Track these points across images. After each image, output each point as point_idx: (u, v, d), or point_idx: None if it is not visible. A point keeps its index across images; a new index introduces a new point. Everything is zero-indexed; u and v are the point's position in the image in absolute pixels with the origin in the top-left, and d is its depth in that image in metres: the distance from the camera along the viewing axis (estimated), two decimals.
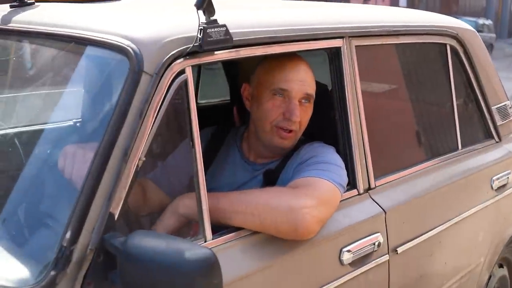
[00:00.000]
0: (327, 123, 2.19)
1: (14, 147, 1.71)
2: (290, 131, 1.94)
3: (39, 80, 1.81)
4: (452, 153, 2.54)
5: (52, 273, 1.32)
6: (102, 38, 1.55)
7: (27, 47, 1.84)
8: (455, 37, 2.55)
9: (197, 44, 1.55)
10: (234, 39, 1.61)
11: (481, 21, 24.86)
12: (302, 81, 1.93)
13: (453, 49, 2.56)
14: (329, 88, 2.21)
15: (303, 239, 1.75)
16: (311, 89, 1.97)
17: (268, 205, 1.69)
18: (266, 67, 1.98)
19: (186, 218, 1.67)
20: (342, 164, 1.96)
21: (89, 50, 1.61)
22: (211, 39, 1.56)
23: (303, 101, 1.94)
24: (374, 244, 1.99)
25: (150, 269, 1.28)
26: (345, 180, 1.94)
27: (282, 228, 1.69)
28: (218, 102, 3.41)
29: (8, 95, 1.96)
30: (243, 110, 2.57)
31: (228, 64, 3.30)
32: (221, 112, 2.96)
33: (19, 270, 1.37)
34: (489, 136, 2.79)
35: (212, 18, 1.56)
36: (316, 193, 1.77)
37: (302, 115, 1.94)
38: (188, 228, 1.67)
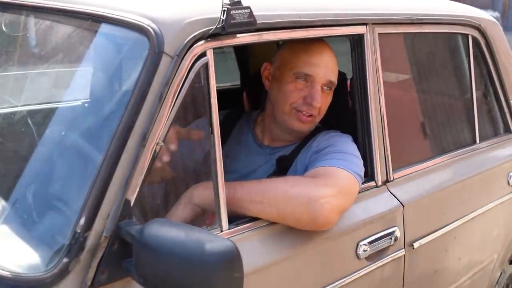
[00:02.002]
0: (344, 111, 2.14)
1: (27, 128, 1.65)
2: (310, 115, 1.90)
3: (53, 58, 1.75)
4: (470, 147, 2.48)
5: (65, 260, 1.28)
6: (122, 16, 1.48)
7: (42, 23, 1.78)
8: (478, 28, 2.48)
9: (220, 26, 1.48)
10: (257, 22, 1.54)
11: (488, 13, 24.66)
12: (326, 67, 1.89)
13: (475, 40, 2.49)
14: (347, 76, 2.16)
15: (322, 229, 1.70)
16: (334, 77, 1.92)
17: (286, 194, 1.64)
18: (291, 48, 1.93)
19: (200, 208, 1.61)
20: (359, 154, 1.91)
21: (107, 29, 1.55)
22: (235, 21, 1.49)
23: (325, 87, 1.91)
24: (391, 238, 1.95)
25: (167, 259, 1.22)
26: (362, 170, 1.89)
27: (300, 218, 1.64)
28: (227, 87, 3.36)
29: (20, 72, 1.89)
30: (253, 95, 2.52)
31: (239, 49, 3.24)
32: (230, 97, 2.90)
33: (30, 256, 1.32)
34: (507, 130, 2.73)
35: None
36: (335, 183, 1.72)
37: (323, 101, 1.89)
38: (203, 218, 1.62)
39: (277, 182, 1.71)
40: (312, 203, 1.63)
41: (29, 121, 1.63)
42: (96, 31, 1.59)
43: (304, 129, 1.94)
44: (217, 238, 1.24)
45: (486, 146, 2.57)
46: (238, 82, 3.31)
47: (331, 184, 1.71)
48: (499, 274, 2.79)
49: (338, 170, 1.78)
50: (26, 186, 1.50)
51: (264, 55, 3.08)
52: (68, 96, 1.74)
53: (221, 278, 1.20)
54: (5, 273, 1.25)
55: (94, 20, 1.55)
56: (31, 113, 1.74)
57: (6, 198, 1.50)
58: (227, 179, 1.57)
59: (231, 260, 1.21)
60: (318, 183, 1.70)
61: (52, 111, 1.65)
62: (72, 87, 1.70)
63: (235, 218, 1.62)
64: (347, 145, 1.91)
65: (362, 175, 1.89)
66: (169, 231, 1.25)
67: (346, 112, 2.14)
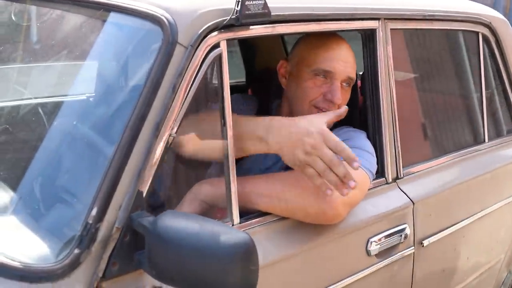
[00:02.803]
0: (355, 108, 2.12)
1: (39, 118, 1.63)
2: None
3: (65, 49, 1.72)
4: (478, 146, 2.46)
5: (76, 251, 1.26)
6: (135, 6, 1.47)
7: (53, 13, 1.75)
8: (488, 26, 2.46)
9: (234, 17, 1.47)
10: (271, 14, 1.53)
11: None
12: (345, 62, 1.85)
13: (485, 38, 2.47)
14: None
15: (332, 222, 1.68)
16: (353, 73, 1.89)
17: (295, 188, 1.62)
18: (308, 45, 1.90)
19: (207, 204, 1.59)
20: (373, 150, 1.88)
21: (120, 19, 1.53)
22: (249, 12, 1.48)
23: (344, 84, 1.87)
24: (401, 235, 1.93)
25: (181, 251, 1.20)
26: (374, 167, 1.87)
27: (310, 211, 1.62)
28: (232, 84, 3.32)
29: (33, 64, 1.87)
30: (258, 92, 2.50)
31: (245, 46, 3.22)
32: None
33: (41, 247, 1.30)
34: None
35: None
36: None
37: (342, 98, 1.86)
38: (212, 213, 1.60)
39: (286, 176, 1.68)
40: (322, 195, 1.60)
41: (41, 112, 1.61)
42: (109, 21, 1.57)
43: None
44: (232, 230, 1.22)
45: (495, 145, 2.55)
46: (243, 80, 3.29)
47: None
48: (506, 274, 2.77)
49: None
50: (38, 177, 1.48)
51: (270, 52, 3.08)
52: (80, 87, 1.72)
53: (236, 271, 1.18)
54: (15, 264, 1.23)
55: (107, 9, 1.54)
56: (42, 104, 1.72)
57: (17, 189, 1.48)
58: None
59: (246, 252, 1.18)
60: None
61: (64, 102, 1.63)
62: (84, 78, 1.68)
63: (244, 213, 1.60)
64: (360, 140, 1.89)
65: (374, 172, 1.87)
66: (182, 223, 1.23)
67: (356, 108, 2.12)
